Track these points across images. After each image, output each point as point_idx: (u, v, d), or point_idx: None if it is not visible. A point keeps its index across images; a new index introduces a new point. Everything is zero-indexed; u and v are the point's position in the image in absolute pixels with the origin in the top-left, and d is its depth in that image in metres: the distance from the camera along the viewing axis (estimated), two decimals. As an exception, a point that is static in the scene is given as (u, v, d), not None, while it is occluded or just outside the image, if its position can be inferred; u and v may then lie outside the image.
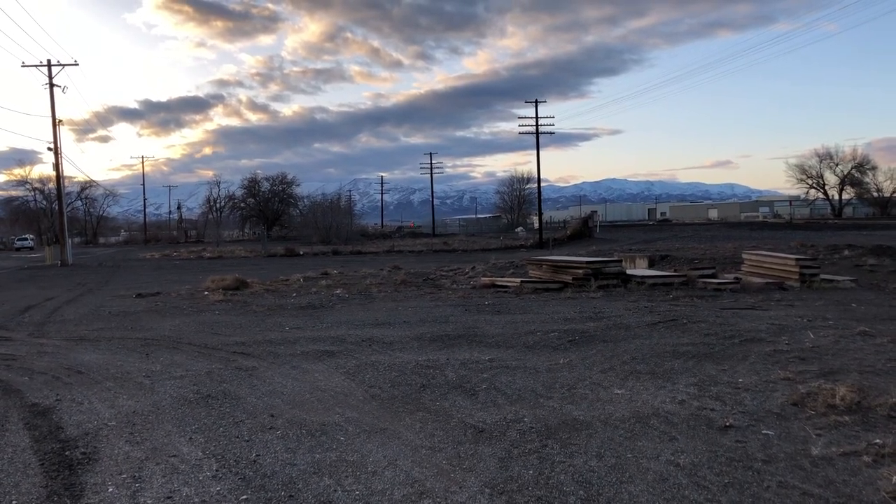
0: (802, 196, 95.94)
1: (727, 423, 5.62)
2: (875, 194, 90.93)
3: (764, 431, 5.42)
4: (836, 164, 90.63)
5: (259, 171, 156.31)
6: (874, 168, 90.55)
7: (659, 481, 4.50)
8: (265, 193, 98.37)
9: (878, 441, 5.04)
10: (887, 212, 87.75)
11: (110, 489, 4.59)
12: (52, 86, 40.98)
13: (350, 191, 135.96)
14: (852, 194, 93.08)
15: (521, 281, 17.49)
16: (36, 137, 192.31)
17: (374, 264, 31.03)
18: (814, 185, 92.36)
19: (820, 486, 4.36)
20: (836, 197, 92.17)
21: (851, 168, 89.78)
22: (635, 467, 4.76)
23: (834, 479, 4.45)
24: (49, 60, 41.33)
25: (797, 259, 17.05)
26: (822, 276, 16.67)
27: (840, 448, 4.97)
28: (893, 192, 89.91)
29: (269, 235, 73.97)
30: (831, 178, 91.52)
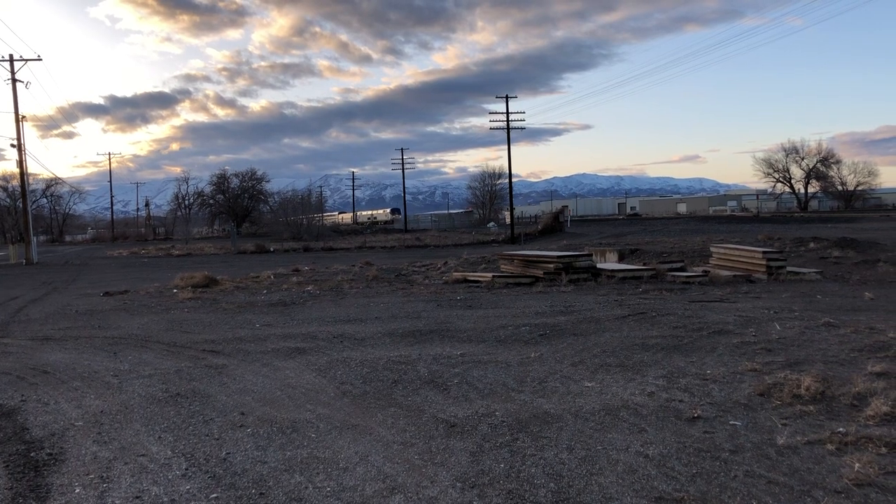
0: (769, 190, 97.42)
1: (695, 415, 5.69)
2: (839, 188, 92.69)
3: (731, 422, 5.50)
4: (802, 158, 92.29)
5: (228, 168, 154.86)
6: (839, 162, 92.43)
7: (628, 472, 4.55)
8: (234, 190, 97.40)
9: (841, 429, 5.14)
10: (851, 205, 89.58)
11: (77, 490, 4.52)
12: (14, 81, 40.17)
13: (321, 186, 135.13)
14: (818, 188, 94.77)
15: (493, 276, 17.54)
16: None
17: (346, 260, 30.92)
18: (780, 178, 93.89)
19: (785, 474, 4.43)
20: (802, 191, 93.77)
21: (817, 162, 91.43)
22: (605, 459, 4.80)
23: (799, 468, 4.53)
24: (11, 55, 40.55)
25: (764, 252, 17.31)
26: (789, 268, 16.95)
27: (805, 437, 5.06)
28: (857, 186, 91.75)
29: (239, 232, 73.31)
30: (797, 172, 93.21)
